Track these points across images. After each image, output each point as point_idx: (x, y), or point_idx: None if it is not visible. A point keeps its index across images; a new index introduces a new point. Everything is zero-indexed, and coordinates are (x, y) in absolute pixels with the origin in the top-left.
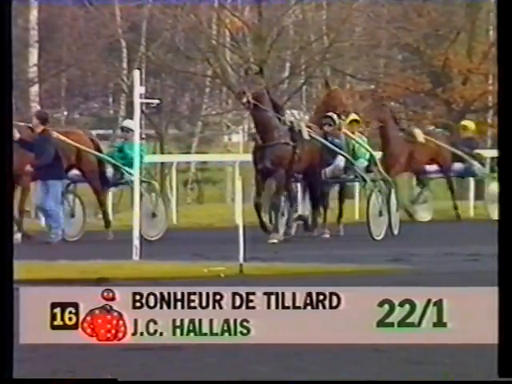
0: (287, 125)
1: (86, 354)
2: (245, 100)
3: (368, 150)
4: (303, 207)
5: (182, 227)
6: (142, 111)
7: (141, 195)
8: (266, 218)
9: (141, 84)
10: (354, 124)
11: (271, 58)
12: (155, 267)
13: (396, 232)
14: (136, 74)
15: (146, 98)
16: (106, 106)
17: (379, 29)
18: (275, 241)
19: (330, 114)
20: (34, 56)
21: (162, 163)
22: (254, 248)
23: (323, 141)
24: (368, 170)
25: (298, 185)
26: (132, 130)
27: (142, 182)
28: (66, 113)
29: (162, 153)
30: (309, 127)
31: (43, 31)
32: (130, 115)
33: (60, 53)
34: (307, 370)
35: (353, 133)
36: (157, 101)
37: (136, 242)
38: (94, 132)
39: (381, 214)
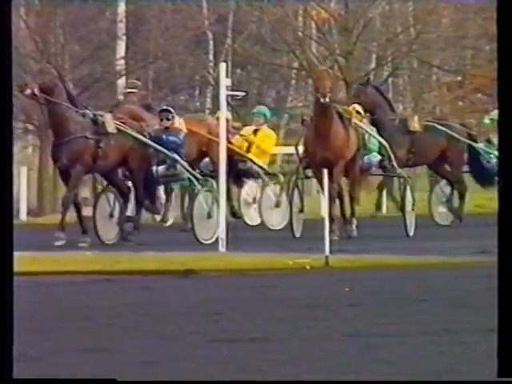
0: (89, 117)
1: (173, 345)
2: (28, 92)
3: (380, 142)
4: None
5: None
6: (228, 103)
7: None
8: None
9: (227, 76)
10: (356, 115)
11: (357, 50)
12: (241, 259)
13: (411, 233)
14: (222, 66)
15: (232, 90)
16: (192, 99)
17: (467, 20)
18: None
19: (167, 107)
20: (121, 49)
21: None
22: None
23: (136, 134)
24: (381, 165)
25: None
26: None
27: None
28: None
29: None
30: (121, 120)
31: (131, 24)
32: (215, 107)
33: (147, 45)
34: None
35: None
36: (243, 93)
37: (222, 233)
38: None
39: (209, 215)
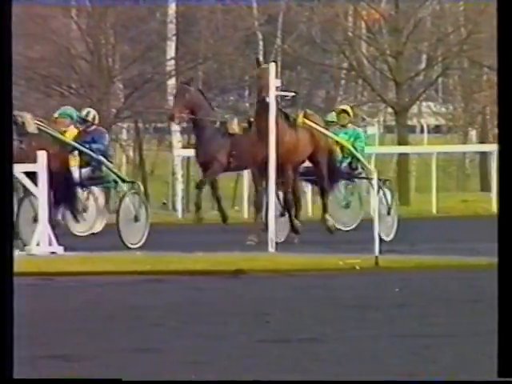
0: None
1: (222, 345)
2: None
3: (346, 146)
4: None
5: (317, 218)
6: (278, 104)
7: None
8: None
9: (276, 77)
10: (343, 115)
11: (407, 50)
12: (290, 259)
13: (388, 238)
14: (272, 66)
15: (282, 90)
16: (241, 99)
17: None
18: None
19: (90, 109)
20: (171, 49)
21: None
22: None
23: (57, 135)
24: (351, 167)
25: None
26: None
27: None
28: None
29: None
30: (40, 120)
31: (181, 24)
32: None
33: (197, 46)
34: None
35: (344, 126)
36: (292, 93)
37: (271, 234)
38: None
39: (136, 219)
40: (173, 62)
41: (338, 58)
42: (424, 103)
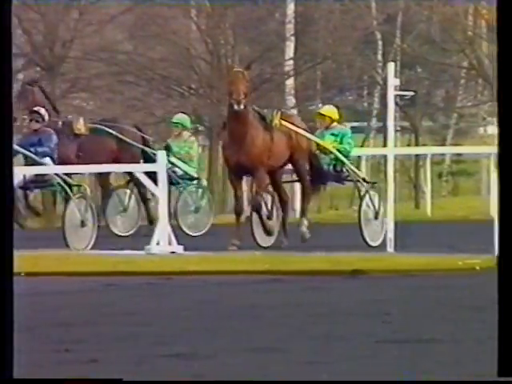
0: None
1: (340, 345)
2: None
3: (328, 148)
4: None
5: (436, 219)
6: (397, 103)
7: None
8: None
9: (395, 76)
10: (321, 117)
11: None
12: (409, 259)
13: (375, 243)
14: (391, 66)
15: (401, 90)
16: (360, 99)
17: None
18: None
19: (37, 108)
20: (290, 49)
21: (417, 155)
22: None
23: None
24: (335, 170)
25: None
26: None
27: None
28: (320, 105)
29: (417, 145)
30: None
31: (299, 25)
32: (383, 107)
33: (316, 46)
34: None
35: (327, 128)
36: (411, 93)
37: (390, 234)
38: (348, 124)
39: (83, 224)
40: (291, 62)
41: (457, 57)
42: None
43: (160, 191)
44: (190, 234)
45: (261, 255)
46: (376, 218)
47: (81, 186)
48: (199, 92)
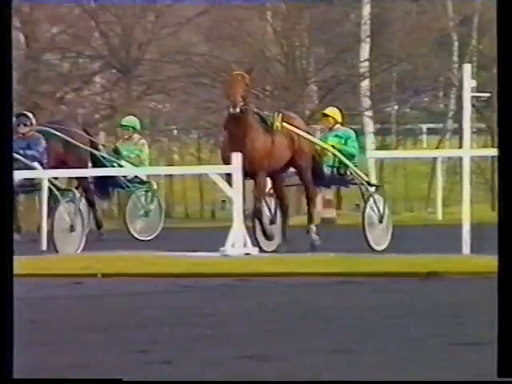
0: None
1: (414, 347)
2: None
3: (331, 151)
4: None
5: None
6: (473, 105)
7: None
8: None
9: (471, 77)
10: (325, 119)
11: None
12: (485, 261)
13: (380, 248)
14: (467, 67)
15: (477, 91)
16: (435, 100)
17: None
18: None
19: (25, 112)
20: (365, 51)
21: (493, 157)
22: None
23: None
24: (339, 173)
25: None
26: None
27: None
28: (396, 107)
29: (493, 146)
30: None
31: (375, 26)
32: (459, 109)
33: (391, 47)
34: None
35: (330, 129)
36: (487, 94)
37: (466, 235)
38: (424, 126)
39: (72, 228)
40: (367, 63)
41: None
42: None
43: (235, 193)
44: (140, 238)
45: (335, 257)
46: (381, 221)
47: (70, 190)
48: (274, 94)
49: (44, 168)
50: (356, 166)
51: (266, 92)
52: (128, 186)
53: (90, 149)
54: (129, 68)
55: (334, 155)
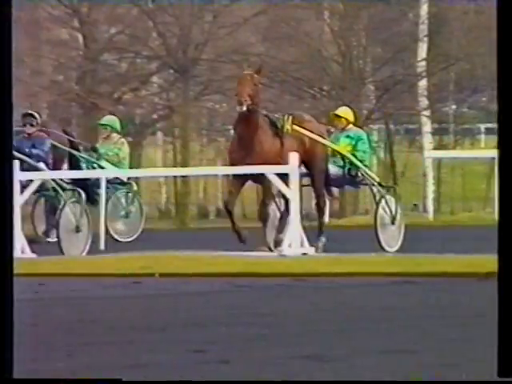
0: None
1: (470, 348)
2: None
3: (342, 153)
4: None
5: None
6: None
7: None
8: None
9: None
10: (337, 120)
11: None
12: None
13: (392, 249)
14: None
15: None
16: (494, 100)
17: None
18: None
19: (31, 112)
20: (422, 50)
21: None
22: None
23: None
24: (350, 174)
25: None
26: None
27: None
28: (454, 106)
29: None
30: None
31: (433, 25)
32: None
33: (449, 47)
34: None
35: (342, 129)
36: None
37: None
38: (482, 126)
39: (78, 229)
40: (424, 63)
41: None
42: None
43: (291, 192)
44: (120, 239)
45: (393, 257)
46: (393, 223)
47: (75, 190)
48: (331, 94)
49: (49, 168)
50: (367, 167)
51: (323, 92)
52: (108, 187)
53: (68, 149)
54: (186, 68)
55: (346, 156)
